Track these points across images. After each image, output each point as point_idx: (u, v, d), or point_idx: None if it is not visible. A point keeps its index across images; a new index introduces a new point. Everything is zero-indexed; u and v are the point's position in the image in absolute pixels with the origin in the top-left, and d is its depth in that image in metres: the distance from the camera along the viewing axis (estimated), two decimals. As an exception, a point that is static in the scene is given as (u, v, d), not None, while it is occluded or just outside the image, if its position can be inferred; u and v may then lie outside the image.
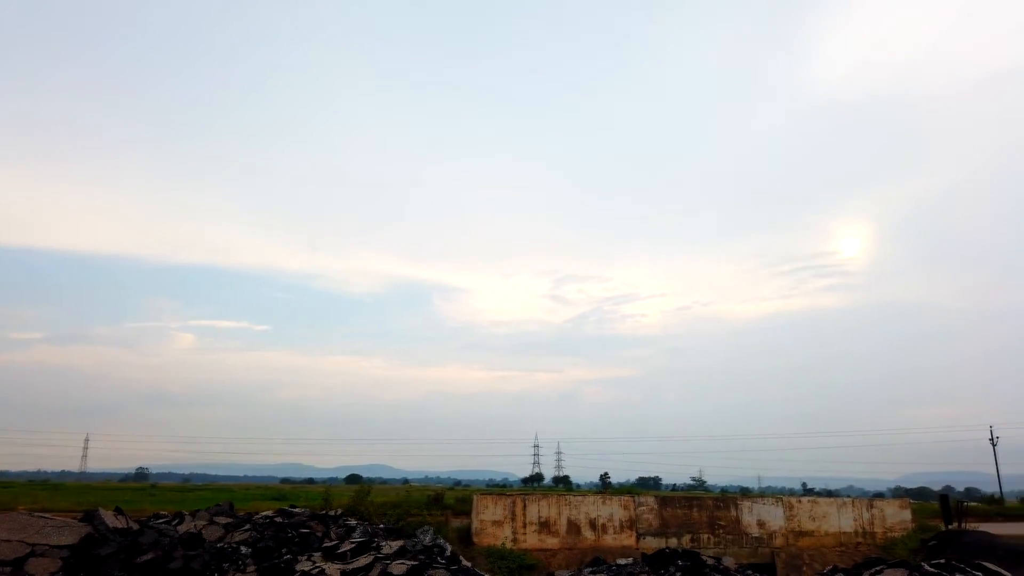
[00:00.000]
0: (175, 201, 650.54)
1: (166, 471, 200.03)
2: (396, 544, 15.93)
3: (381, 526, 19.56)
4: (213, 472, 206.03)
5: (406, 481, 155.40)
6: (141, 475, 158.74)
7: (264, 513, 18.76)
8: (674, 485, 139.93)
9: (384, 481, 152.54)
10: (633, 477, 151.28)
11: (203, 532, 16.36)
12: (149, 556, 13.48)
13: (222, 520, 17.31)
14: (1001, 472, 69.35)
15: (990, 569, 14.66)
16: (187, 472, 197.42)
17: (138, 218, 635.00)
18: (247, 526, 16.93)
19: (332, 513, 19.53)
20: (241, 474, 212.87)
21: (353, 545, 15.65)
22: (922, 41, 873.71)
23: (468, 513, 24.97)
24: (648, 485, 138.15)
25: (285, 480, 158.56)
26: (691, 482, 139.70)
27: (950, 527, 25.99)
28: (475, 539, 23.18)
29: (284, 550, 15.56)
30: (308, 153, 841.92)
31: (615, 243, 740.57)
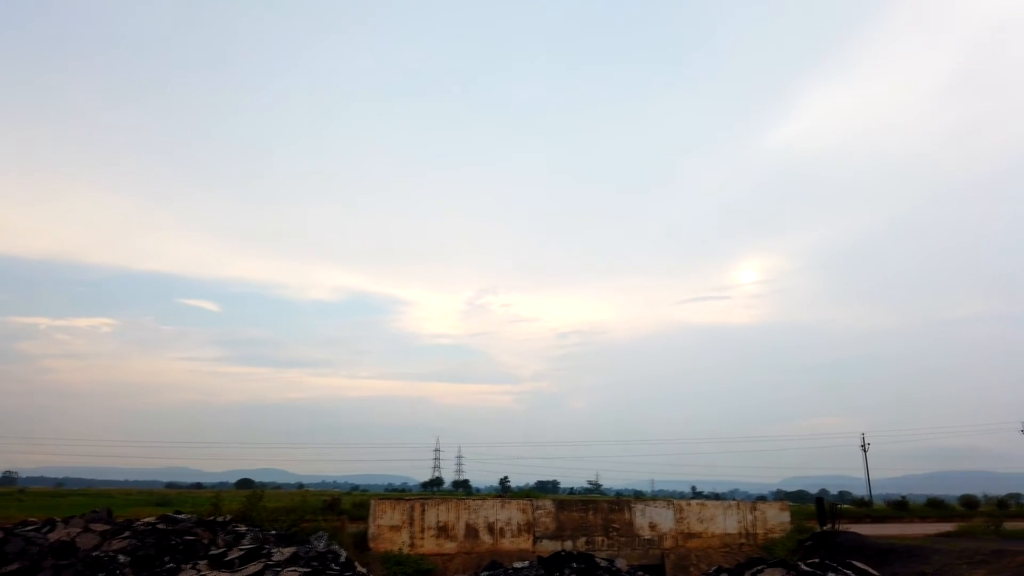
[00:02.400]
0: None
1: (37, 475, 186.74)
2: (288, 551, 15.44)
3: (273, 532, 18.90)
4: (90, 476, 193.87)
5: (301, 486, 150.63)
6: (8, 479, 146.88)
7: (146, 519, 17.74)
8: (572, 489, 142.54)
9: (278, 486, 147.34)
10: (532, 481, 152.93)
11: (77, 540, 15.32)
12: (15, 566, 12.52)
13: (98, 527, 16.26)
14: (871, 476, 74.74)
15: (859, 568, 15.69)
16: (61, 476, 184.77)
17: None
18: (126, 533, 15.97)
19: (221, 519, 18.71)
20: (122, 478, 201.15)
21: (242, 552, 15.05)
22: (848, 119, 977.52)
23: (365, 518, 24.56)
24: (547, 489, 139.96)
25: (171, 485, 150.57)
26: (588, 486, 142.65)
27: (825, 528, 27.64)
28: (372, 544, 22.82)
29: (167, 558, 14.79)
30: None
31: (554, 270, 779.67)
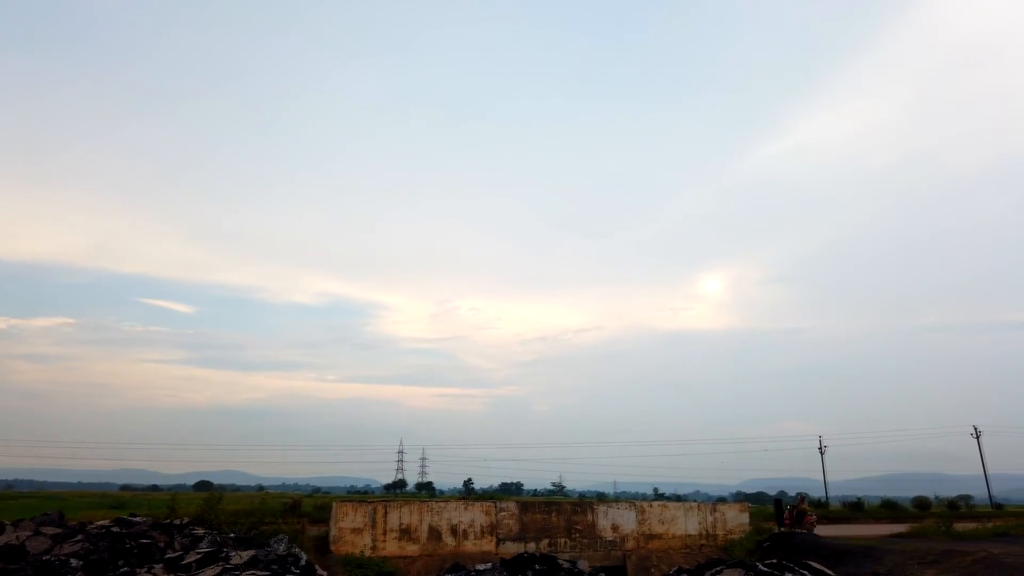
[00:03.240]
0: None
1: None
2: (247, 554, 15.21)
3: (232, 535, 18.58)
4: (42, 479, 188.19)
5: (262, 488, 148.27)
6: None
7: (99, 523, 17.29)
8: (535, 491, 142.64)
9: (238, 488, 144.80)
10: (497, 483, 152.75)
11: (26, 544, 14.88)
12: (-42, 572, 12.10)
13: (49, 531, 15.82)
14: (828, 478, 76.36)
15: (815, 568, 16.02)
16: (11, 478, 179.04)
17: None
18: (79, 537, 15.56)
19: (177, 522, 18.33)
20: (75, 481, 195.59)
21: (199, 556, 14.78)
22: (819, 144, 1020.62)
23: (327, 521, 24.29)
24: (511, 491, 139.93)
25: (125, 487, 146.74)
26: (552, 488, 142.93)
27: (782, 529, 28.15)
28: (333, 547, 22.58)
29: (121, 562, 14.45)
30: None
31: (530, 279, 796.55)
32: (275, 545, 18.05)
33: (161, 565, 14.33)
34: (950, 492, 78.09)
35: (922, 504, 57.99)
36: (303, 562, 16.67)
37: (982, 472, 70.31)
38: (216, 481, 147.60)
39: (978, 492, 74.80)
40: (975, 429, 74.49)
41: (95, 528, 16.47)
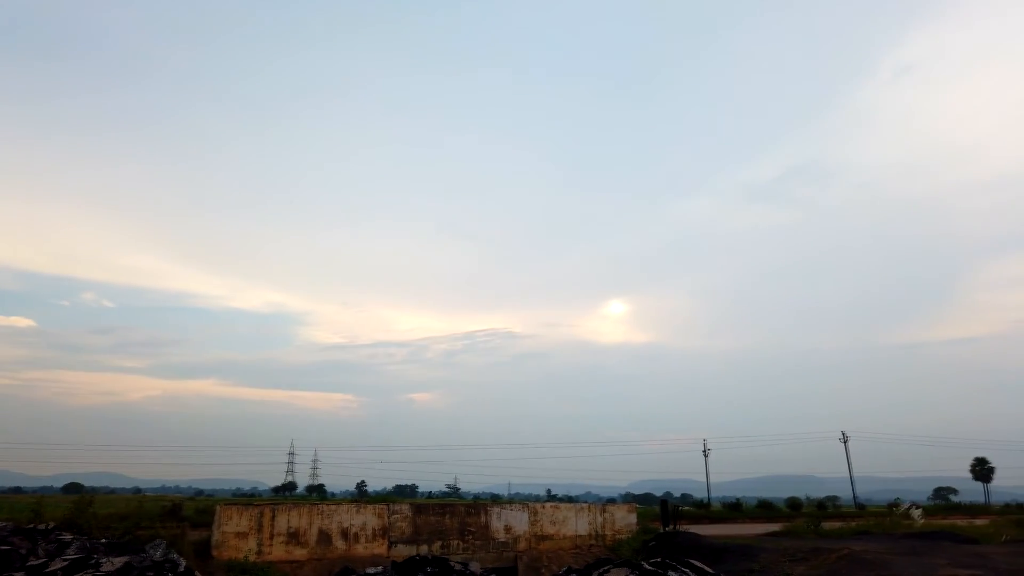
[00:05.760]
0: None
1: None
2: (120, 561, 14.36)
3: (103, 541, 17.48)
4: None
5: (139, 491, 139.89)
6: None
7: (-49, 529, 15.90)
8: (430, 492, 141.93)
9: (113, 491, 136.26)
10: (391, 485, 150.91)
11: None
12: None
13: None
14: (711, 480, 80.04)
15: (696, 566, 16.74)
16: None
17: None
18: (-75, 545, 14.24)
19: (43, 527, 17.08)
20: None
21: (66, 563, 13.83)
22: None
23: (210, 525, 23.27)
24: (405, 493, 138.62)
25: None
26: (446, 489, 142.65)
27: (667, 529, 29.21)
28: (215, 552, 21.65)
29: (-26, 571, 13.32)
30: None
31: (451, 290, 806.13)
32: (151, 551, 17.16)
33: (22, 573, 13.32)
34: (820, 493, 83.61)
35: (794, 504, 61.88)
36: (182, 568, 15.92)
37: (848, 474, 75.64)
38: (89, 483, 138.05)
39: (844, 493, 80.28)
40: (843, 434, 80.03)
41: (-55, 535, 15.13)
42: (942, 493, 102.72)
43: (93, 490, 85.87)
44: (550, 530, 27.36)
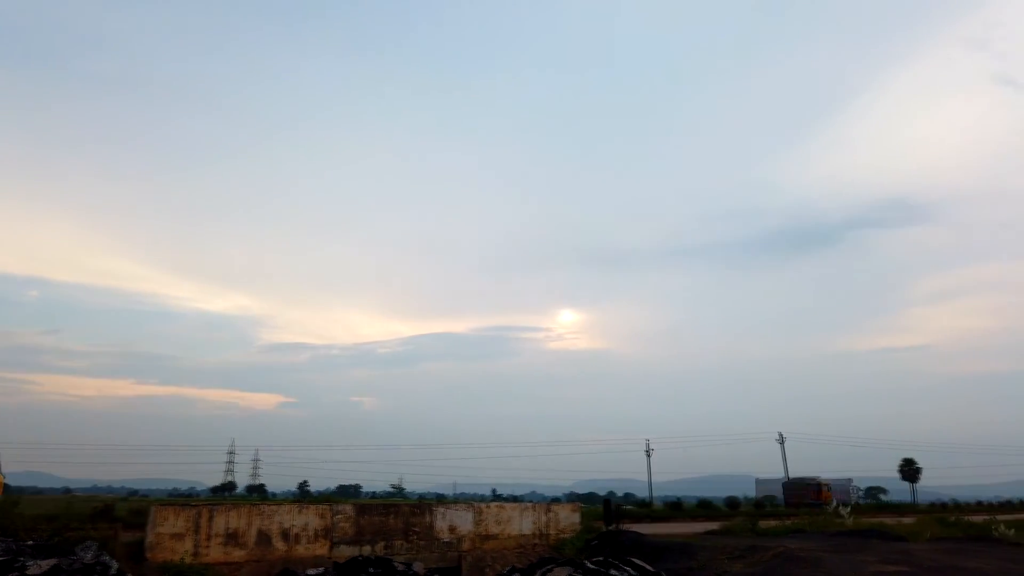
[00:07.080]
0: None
1: None
2: (47, 563, 13.82)
3: (30, 543, 16.81)
4: None
5: (69, 491, 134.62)
6: None
7: None
8: (374, 493, 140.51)
9: (40, 491, 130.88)
10: (334, 486, 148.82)
11: None
12: None
13: None
14: (653, 479, 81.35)
15: (637, 564, 16.99)
16: None
17: None
18: None
19: (-38, 529, 16.34)
20: None
21: (-12, 567, 13.25)
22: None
23: (143, 526, 22.55)
24: (348, 493, 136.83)
25: None
26: (391, 489, 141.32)
27: (610, 528, 29.57)
28: (149, 554, 20.97)
29: None
30: None
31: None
32: (82, 553, 16.54)
33: (-61, 578, 12.71)
34: (757, 493, 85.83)
35: (733, 504, 63.54)
36: (113, 571, 15.41)
37: (784, 474, 77.86)
38: (15, 484, 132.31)
39: (781, 492, 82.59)
40: (780, 435, 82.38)
41: None
42: (873, 492, 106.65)
43: (20, 490, 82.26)
44: (495, 530, 27.38)
